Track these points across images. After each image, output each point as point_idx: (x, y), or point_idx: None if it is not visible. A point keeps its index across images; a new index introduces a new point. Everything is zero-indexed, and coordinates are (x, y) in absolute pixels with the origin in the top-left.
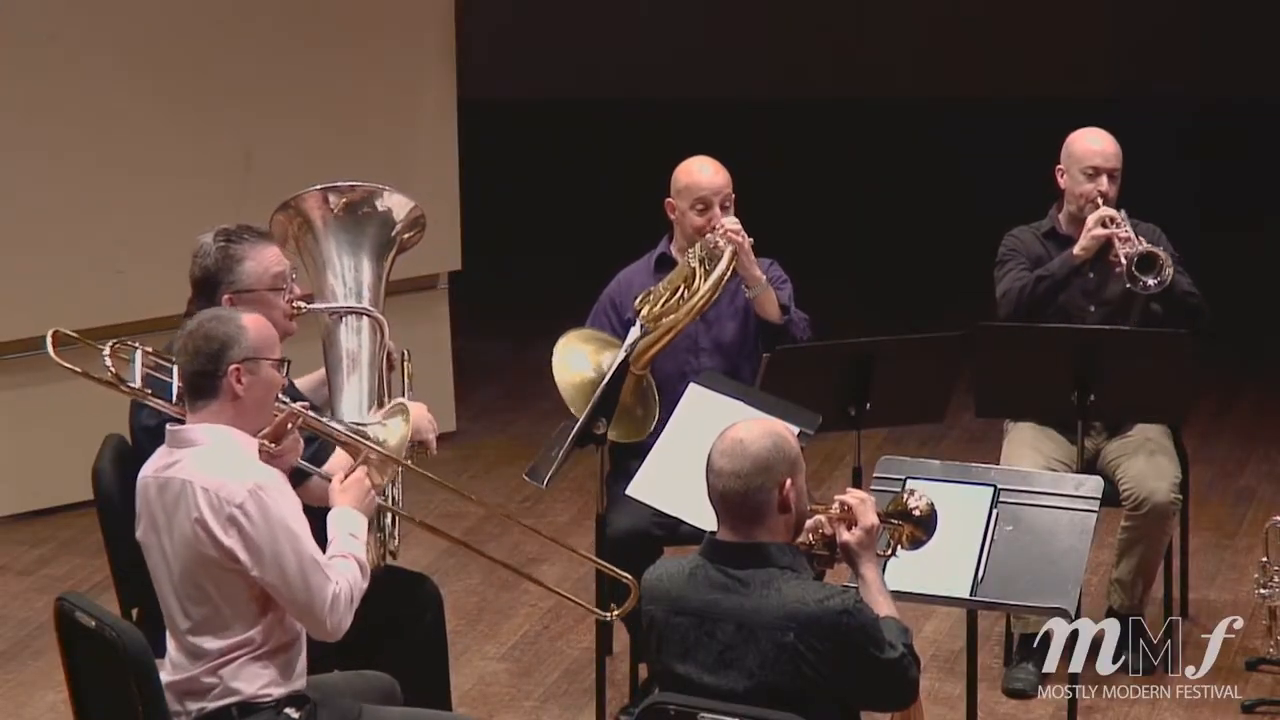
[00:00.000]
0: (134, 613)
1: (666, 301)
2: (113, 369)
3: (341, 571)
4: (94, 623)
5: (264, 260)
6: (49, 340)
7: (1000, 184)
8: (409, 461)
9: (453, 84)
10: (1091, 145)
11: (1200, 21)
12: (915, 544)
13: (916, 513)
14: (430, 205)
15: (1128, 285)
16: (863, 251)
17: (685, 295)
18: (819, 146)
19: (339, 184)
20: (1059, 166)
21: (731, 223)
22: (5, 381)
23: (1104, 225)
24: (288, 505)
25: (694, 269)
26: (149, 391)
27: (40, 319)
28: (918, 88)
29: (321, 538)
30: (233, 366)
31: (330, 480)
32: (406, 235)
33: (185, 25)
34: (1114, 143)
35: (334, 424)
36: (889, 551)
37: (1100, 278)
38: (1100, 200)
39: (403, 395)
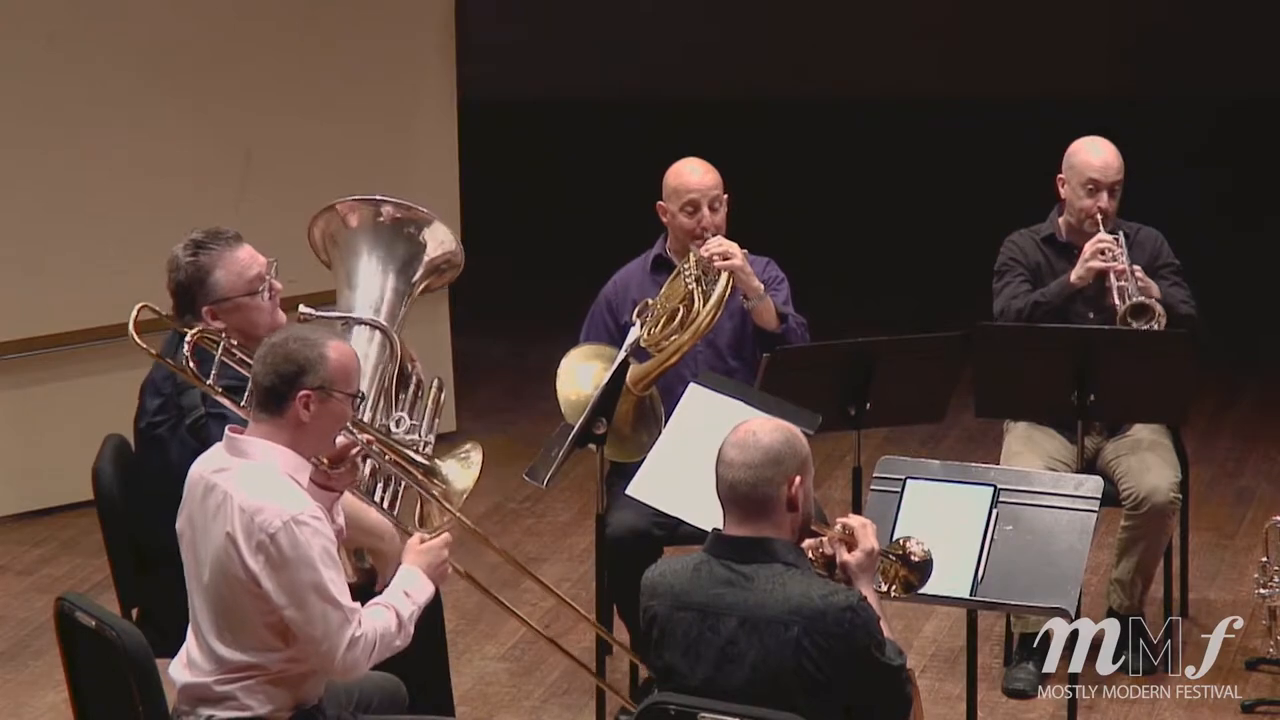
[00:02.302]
0: (134, 613)
1: (667, 324)
2: (190, 357)
3: (372, 618)
4: (94, 623)
5: (234, 266)
6: (133, 316)
7: (1000, 184)
8: (459, 513)
9: (453, 84)
10: (1091, 160)
11: (1201, 21)
12: (907, 588)
13: (914, 558)
14: (430, 205)
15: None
16: (862, 252)
17: (686, 318)
18: (819, 146)
19: (390, 199)
20: (1060, 176)
21: (717, 245)
22: (5, 381)
23: (1101, 255)
24: (320, 543)
25: (690, 289)
26: (219, 389)
27: (40, 319)
28: (918, 88)
29: None
30: (303, 393)
31: None
32: (436, 271)
33: (185, 25)
34: (1115, 154)
35: (407, 451)
36: (881, 589)
37: (1098, 286)
38: (1100, 216)
39: (429, 424)
